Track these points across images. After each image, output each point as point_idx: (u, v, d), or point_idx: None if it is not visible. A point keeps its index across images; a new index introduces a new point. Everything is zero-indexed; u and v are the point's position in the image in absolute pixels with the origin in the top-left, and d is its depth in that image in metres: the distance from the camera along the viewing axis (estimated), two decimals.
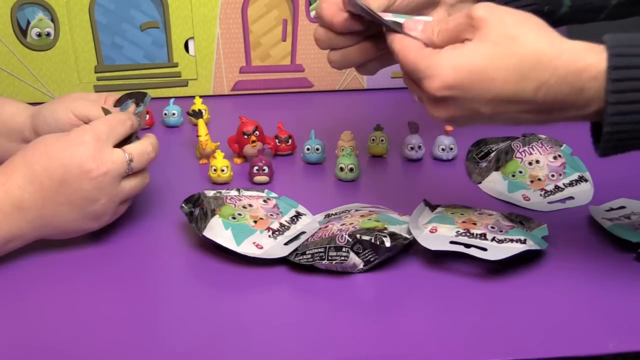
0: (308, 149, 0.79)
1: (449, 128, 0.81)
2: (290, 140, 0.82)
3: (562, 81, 0.48)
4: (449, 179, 0.77)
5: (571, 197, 0.71)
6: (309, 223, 0.65)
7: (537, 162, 0.74)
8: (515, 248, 0.57)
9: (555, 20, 0.69)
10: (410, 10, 0.65)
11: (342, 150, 0.77)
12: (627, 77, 0.48)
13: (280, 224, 0.63)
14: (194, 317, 0.53)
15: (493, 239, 0.59)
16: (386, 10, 0.61)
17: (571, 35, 0.50)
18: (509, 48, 0.49)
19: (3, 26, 0.96)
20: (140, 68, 1.01)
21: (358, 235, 0.57)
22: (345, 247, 0.57)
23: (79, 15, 0.97)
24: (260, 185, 0.74)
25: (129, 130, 0.63)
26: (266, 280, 0.58)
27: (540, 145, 0.75)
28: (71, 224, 0.60)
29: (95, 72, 1.00)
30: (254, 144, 0.78)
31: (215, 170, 0.74)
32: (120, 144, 0.62)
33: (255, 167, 0.74)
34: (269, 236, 0.61)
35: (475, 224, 0.61)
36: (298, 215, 0.66)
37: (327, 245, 0.58)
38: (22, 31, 0.97)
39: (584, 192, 0.71)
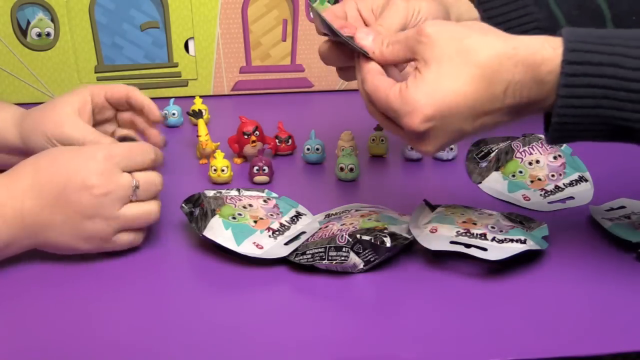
0: (308, 149, 0.79)
1: None
2: (290, 140, 0.82)
3: (525, 76, 0.49)
4: (449, 179, 0.77)
5: (571, 197, 0.71)
6: (309, 223, 0.65)
7: (537, 162, 0.74)
8: (515, 248, 0.57)
9: None
10: None
11: (342, 150, 0.77)
12: (580, 73, 0.49)
13: (281, 224, 0.63)
14: (194, 316, 0.53)
15: (493, 239, 0.59)
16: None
17: None
18: (467, 61, 0.50)
19: (3, 26, 0.96)
20: (140, 68, 1.01)
21: (358, 235, 0.57)
22: (346, 247, 0.57)
23: (79, 15, 0.97)
24: (260, 185, 0.74)
25: (149, 163, 0.61)
26: (266, 280, 0.58)
27: (540, 145, 0.75)
28: (61, 237, 0.58)
29: (95, 72, 1.00)
30: (254, 144, 0.78)
31: (215, 170, 0.74)
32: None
33: (255, 167, 0.74)
34: (269, 236, 0.61)
35: (475, 224, 0.61)
36: (298, 215, 0.66)
37: (327, 245, 0.58)
38: (22, 31, 0.97)
39: (584, 192, 0.71)
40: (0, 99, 0.98)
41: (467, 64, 0.50)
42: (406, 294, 0.56)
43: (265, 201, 0.66)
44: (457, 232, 0.60)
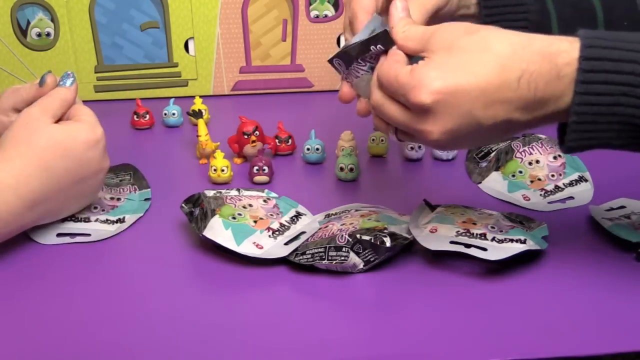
0: (308, 149, 0.79)
1: None
2: (290, 140, 0.82)
3: (540, 66, 0.48)
4: (449, 179, 0.77)
5: (571, 197, 0.71)
6: (309, 223, 0.65)
7: (537, 162, 0.74)
8: (515, 248, 0.57)
9: None
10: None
11: (342, 150, 0.77)
12: (597, 69, 0.48)
13: (280, 224, 0.63)
14: (194, 316, 0.53)
15: (493, 239, 0.59)
16: None
17: None
18: (480, 47, 0.49)
19: (3, 26, 0.96)
20: (140, 68, 1.01)
21: (358, 235, 0.57)
22: (345, 247, 0.57)
23: (79, 15, 0.97)
24: (260, 185, 0.74)
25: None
26: (266, 280, 0.58)
27: (540, 145, 0.75)
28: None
29: (95, 72, 1.00)
30: (254, 144, 0.78)
31: (215, 170, 0.74)
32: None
33: (255, 167, 0.74)
34: (269, 236, 0.61)
35: (475, 224, 0.61)
36: (298, 215, 0.66)
37: (327, 245, 0.58)
38: (22, 31, 0.97)
39: (584, 192, 0.71)
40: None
41: (480, 50, 0.49)
42: (406, 294, 0.56)
43: (265, 201, 0.66)
44: (457, 232, 0.60)
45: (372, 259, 0.58)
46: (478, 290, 0.56)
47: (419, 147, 0.80)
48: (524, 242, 0.58)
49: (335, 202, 0.69)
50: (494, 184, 0.73)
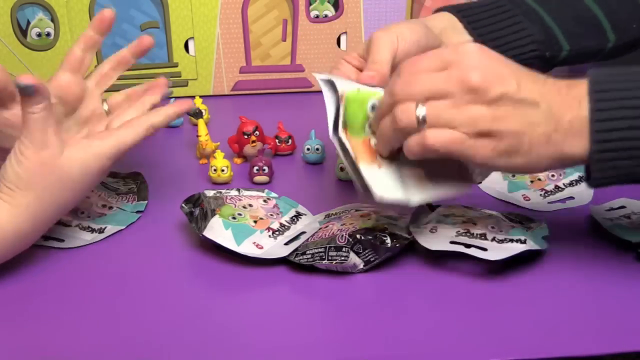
0: (308, 149, 0.79)
1: None
2: (290, 140, 0.82)
3: (553, 86, 0.50)
4: None
5: (571, 197, 0.71)
6: (309, 223, 0.65)
7: None
8: (515, 248, 0.57)
9: (555, 64, 0.72)
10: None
11: None
12: (608, 97, 0.49)
13: (280, 224, 0.63)
14: (193, 317, 0.53)
15: (493, 239, 0.59)
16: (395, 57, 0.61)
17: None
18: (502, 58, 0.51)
19: (3, 26, 0.96)
20: (140, 68, 1.01)
21: (358, 235, 0.57)
22: (346, 247, 0.57)
23: (79, 15, 0.97)
24: (260, 185, 0.74)
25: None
26: (266, 280, 0.58)
27: None
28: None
29: None
30: (254, 144, 0.78)
31: (215, 170, 0.74)
32: None
33: (255, 167, 0.74)
34: (269, 236, 0.61)
35: (475, 224, 0.61)
36: (298, 215, 0.66)
37: (327, 245, 0.58)
38: (22, 31, 0.97)
39: (584, 192, 0.71)
40: None
41: (503, 58, 0.51)
42: (406, 294, 0.56)
43: (265, 201, 0.66)
44: (457, 232, 0.60)
45: (372, 259, 0.58)
46: (478, 290, 0.56)
47: None
48: (524, 242, 0.58)
49: (335, 202, 0.69)
50: (494, 184, 0.73)
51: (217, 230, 0.60)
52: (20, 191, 0.55)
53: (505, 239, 0.58)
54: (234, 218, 0.62)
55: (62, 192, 0.57)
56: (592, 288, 0.56)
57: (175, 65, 1.02)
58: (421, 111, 0.50)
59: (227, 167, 0.74)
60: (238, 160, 0.80)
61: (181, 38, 1.00)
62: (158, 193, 0.72)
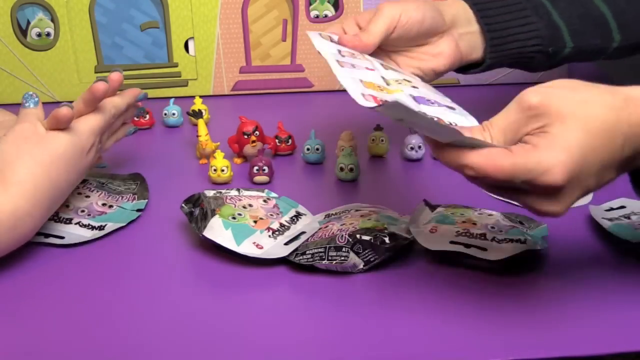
0: (308, 149, 0.79)
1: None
2: (290, 140, 0.82)
3: (637, 129, 0.48)
4: (449, 179, 0.77)
5: None
6: (309, 223, 0.65)
7: None
8: (515, 248, 0.57)
9: (558, 60, 0.71)
10: (412, 40, 0.66)
11: (342, 150, 0.77)
12: None
13: (280, 224, 0.63)
14: (193, 317, 0.53)
15: (493, 239, 0.59)
16: (384, 43, 0.64)
17: None
18: (588, 114, 0.48)
19: (3, 26, 0.96)
20: (140, 68, 1.01)
21: (358, 235, 0.57)
22: (345, 247, 0.57)
23: (79, 15, 0.97)
24: (260, 185, 0.74)
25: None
26: (266, 280, 0.58)
27: None
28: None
29: (95, 72, 1.00)
30: (254, 144, 0.78)
31: (215, 170, 0.74)
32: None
33: (255, 167, 0.74)
34: (269, 236, 0.61)
35: (475, 224, 0.61)
36: (298, 215, 0.66)
37: (327, 245, 0.58)
38: (22, 31, 0.97)
39: None
40: (0, 99, 0.98)
41: (590, 117, 0.47)
42: (406, 294, 0.56)
43: (265, 201, 0.66)
44: (457, 232, 0.60)
45: (372, 259, 0.58)
46: (478, 290, 0.56)
47: (419, 147, 0.80)
48: (524, 242, 0.58)
49: (335, 202, 0.69)
50: None
51: (217, 230, 0.60)
52: (10, 167, 0.56)
53: (505, 239, 0.59)
54: (233, 218, 0.62)
55: (54, 169, 0.58)
56: (592, 288, 0.56)
57: (175, 65, 1.02)
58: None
59: (227, 167, 0.74)
60: (238, 160, 0.80)
61: (181, 38, 1.00)
62: (158, 193, 0.72)
